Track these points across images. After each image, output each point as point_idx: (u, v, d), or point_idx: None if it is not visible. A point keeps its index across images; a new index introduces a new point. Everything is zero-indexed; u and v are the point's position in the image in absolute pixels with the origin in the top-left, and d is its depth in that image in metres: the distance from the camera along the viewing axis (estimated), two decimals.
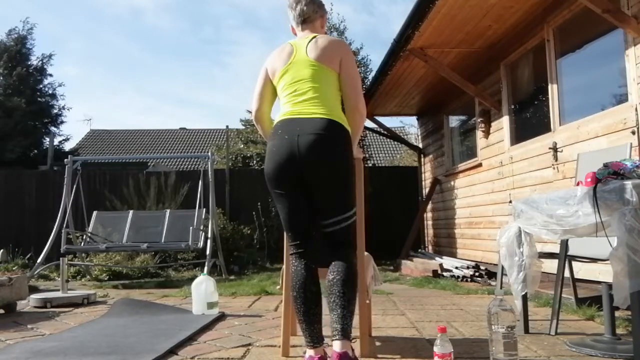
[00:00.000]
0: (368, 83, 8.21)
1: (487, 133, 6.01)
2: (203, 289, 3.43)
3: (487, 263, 5.74)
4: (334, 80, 2.19)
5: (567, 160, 4.26)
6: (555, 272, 2.75)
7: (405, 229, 8.04)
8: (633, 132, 3.49)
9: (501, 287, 2.85)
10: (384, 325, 3.01)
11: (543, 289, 3.82)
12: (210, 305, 3.40)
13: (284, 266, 2.41)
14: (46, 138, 14.38)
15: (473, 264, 5.77)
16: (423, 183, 8.91)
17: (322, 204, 2.09)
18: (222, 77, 74.04)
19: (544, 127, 4.74)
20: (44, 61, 14.96)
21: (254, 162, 11.08)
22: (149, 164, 13.02)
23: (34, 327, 3.14)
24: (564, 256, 2.72)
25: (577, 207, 2.09)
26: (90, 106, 50.39)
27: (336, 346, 1.92)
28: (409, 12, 4.88)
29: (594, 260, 2.70)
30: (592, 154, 3.17)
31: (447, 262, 6.21)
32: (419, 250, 8.10)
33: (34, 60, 14.87)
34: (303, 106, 2.12)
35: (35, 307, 3.98)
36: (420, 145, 9.19)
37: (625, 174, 2.03)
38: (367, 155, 12.62)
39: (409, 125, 20.61)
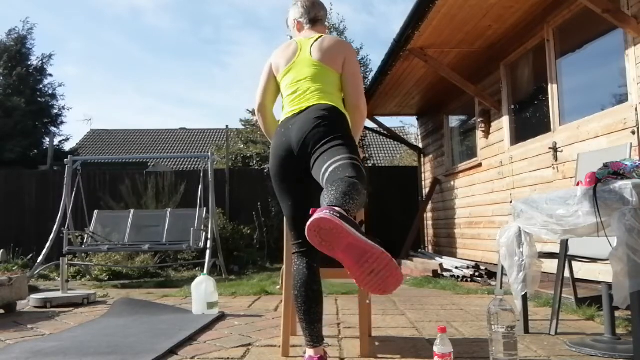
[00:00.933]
0: (368, 83, 8.21)
1: (487, 133, 6.01)
2: (203, 289, 3.43)
3: (487, 263, 5.74)
4: (335, 80, 2.20)
5: (567, 160, 4.26)
6: (555, 272, 2.75)
7: (405, 229, 8.04)
8: (633, 132, 3.49)
9: (501, 287, 2.85)
10: (384, 325, 3.01)
11: (543, 289, 3.82)
12: (210, 305, 3.40)
13: (283, 266, 2.41)
14: (46, 138, 14.38)
15: (473, 264, 5.77)
16: (423, 183, 8.91)
17: (324, 157, 1.92)
18: (222, 77, 74.06)
19: (544, 127, 4.74)
20: (44, 61, 14.98)
21: (254, 162, 11.08)
22: (149, 164, 13.03)
23: (34, 327, 3.14)
24: (564, 256, 2.72)
25: (577, 207, 2.09)
26: (90, 106, 50.42)
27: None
28: (409, 12, 4.89)
29: (594, 260, 2.70)
30: (592, 154, 3.17)
31: (447, 262, 6.21)
32: (419, 250, 8.10)
33: (34, 60, 14.89)
34: (303, 104, 2.12)
35: (35, 307, 3.98)
36: (420, 145, 9.19)
37: (625, 174, 2.03)
38: (367, 155, 12.62)
39: (409, 125, 20.63)
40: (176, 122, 72.16)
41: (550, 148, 4.49)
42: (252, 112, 14.52)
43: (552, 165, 4.49)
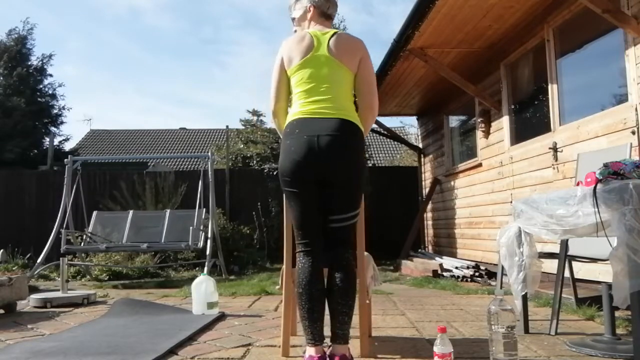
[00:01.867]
0: None
1: (487, 133, 6.01)
2: (203, 289, 3.43)
3: (487, 263, 5.74)
4: (349, 80, 2.19)
5: (567, 160, 4.26)
6: (555, 272, 2.75)
7: (405, 229, 8.04)
8: (633, 132, 3.49)
9: (501, 287, 2.85)
10: (384, 325, 3.01)
11: (543, 289, 3.82)
12: (210, 305, 3.40)
13: (284, 266, 2.41)
14: (46, 138, 14.37)
15: (473, 264, 5.77)
16: (423, 183, 8.91)
17: (336, 202, 2.11)
18: (222, 77, 74.09)
19: (544, 127, 4.74)
20: (44, 61, 14.97)
21: (254, 162, 11.07)
22: (149, 164, 13.02)
23: (34, 327, 3.13)
24: (564, 256, 2.72)
25: (577, 207, 2.09)
26: (90, 106, 50.45)
27: (336, 350, 1.99)
28: (409, 12, 4.89)
29: (594, 260, 2.70)
30: (592, 154, 3.17)
31: (447, 262, 6.21)
32: (419, 250, 8.10)
33: (34, 61, 14.88)
34: (319, 106, 2.10)
35: (35, 307, 3.98)
36: (420, 145, 9.19)
37: (625, 174, 2.03)
38: (367, 155, 12.61)
39: (409, 126, 20.59)
40: (176, 122, 72.28)
41: (550, 148, 4.49)
42: (252, 112, 14.52)
43: (552, 165, 4.49)
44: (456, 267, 5.75)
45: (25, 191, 8.80)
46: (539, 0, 4.44)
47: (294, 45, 2.19)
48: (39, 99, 14.54)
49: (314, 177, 2.08)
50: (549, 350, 2.33)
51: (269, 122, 13.90)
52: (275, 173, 9.03)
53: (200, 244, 5.97)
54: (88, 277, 6.27)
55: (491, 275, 5.38)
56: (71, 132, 67.90)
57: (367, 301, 2.42)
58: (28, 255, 7.35)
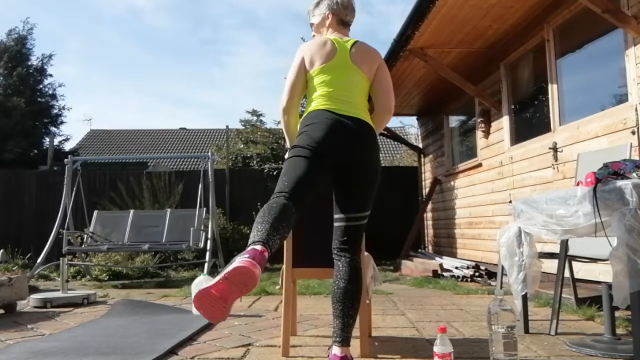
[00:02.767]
0: None
1: (487, 133, 6.01)
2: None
3: (487, 263, 5.74)
4: (366, 88, 2.24)
5: (567, 160, 4.26)
6: (555, 272, 2.75)
7: (405, 229, 8.04)
8: (633, 132, 3.49)
9: (501, 287, 2.85)
10: (384, 325, 3.01)
11: (543, 289, 3.82)
12: None
13: (283, 266, 2.41)
14: (46, 138, 14.38)
15: (473, 264, 5.77)
16: (423, 183, 8.91)
17: (354, 198, 2.11)
18: (221, 77, 74.11)
19: (544, 127, 4.74)
20: (44, 61, 14.98)
21: (254, 162, 11.08)
22: (148, 164, 13.03)
23: (34, 327, 3.13)
24: (564, 256, 2.72)
25: (577, 207, 2.09)
26: (90, 106, 50.45)
27: (338, 351, 2.00)
28: (408, 12, 4.89)
29: (594, 260, 2.70)
30: (592, 154, 3.17)
31: (447, 262, 6.21)
32: (419, 250, 8.10)
33: (34, 61, 14.89)
34: (339, 106, 2.12)
35: (35, 307, 3.98)
36: (420, 145, 9.19)
37: (625, 174, 2.03)
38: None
39: (409, 126, 20.59)
40: (176, 122, 72.21)
41: (550, 148, 4.49)
42: (252, 113, 14.51)
43: (552, 165, 4.49)
44: (456, 267, 5.75)
45: (25, 191, 8.80)
46: (539, 0, 4.45)
47: (316, 49, 2.20)
48: (39, 99, 14.55)
49: (334, 158, 2.05)
50: (549, 350, 2.33)
51: (269, 122, 13.90)
52: (275, 173, 9.03)
53: (201, 244, 5.97)
54: (88, 277, 6.26)
55: (491, 275, 5.38)
56: (71, 132, 67.84)
57: (367, 301, 2.42)
58: (28, 255, 7.36)
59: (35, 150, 14.05)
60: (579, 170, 3.10)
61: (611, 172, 2.05)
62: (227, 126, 10.57)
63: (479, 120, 6.10)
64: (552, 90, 4.58)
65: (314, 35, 2.43)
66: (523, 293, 2.63)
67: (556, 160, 4.44)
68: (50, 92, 14.99)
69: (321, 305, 3.82)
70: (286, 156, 2.13)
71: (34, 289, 4.81)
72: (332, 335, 2.06)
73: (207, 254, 5.84)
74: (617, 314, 2.59)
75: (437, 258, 6.76)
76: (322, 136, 2.03)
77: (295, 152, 2.06)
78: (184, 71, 70.62)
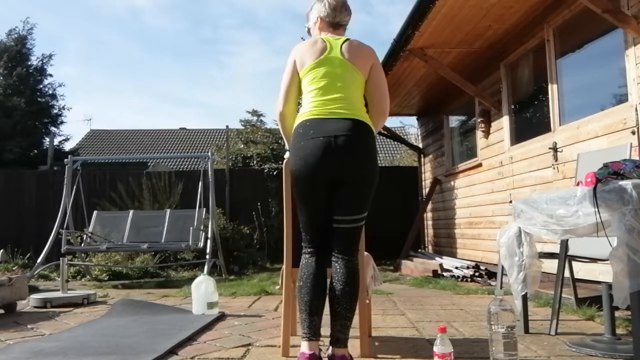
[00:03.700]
0: None
1: (487, 133, 6.01)
2: (203, 289, 3.43)
3: (487, 263, 5.74)
4: (361, 83, 2.22)
5: (567, 160, 4.26)
6: (555, 272, 2.75)
7: (405, 229, 8.03)
8: (633, 132, 3.49)
9: (501, 287, 2.86)
10: (384, 325, 3.01)
11: (543, 289, 3.82)
12: (210, 305, 3.40)
13: (284, 266, 2.41)
14: (46, 138, 14.36)
15: (473, 264, 5.77)
16: (423, 183, 8.91)
17: (350, 201, 2.11)
18: (221, 77, 74.13)
19: (544, 127, 4.74)
20: (44, 61, 14.95)
21: (254, 162, 11.07)
22: (148, 164, 13.02)
23: (34, 327, 3.13)
24: (564, 256, 2.72)
25: (577, 207, 2.09)
26: (90, 106, 50.36)
27: (336, 352, 2.01)
28: (408, 12, 4.89)
29: (594, 260, 2.70)
30: (592, 154, 3.17)
31: (447, 262, 6.21)
32: (419, 250, 8.10)
33: (34, 61, 14.86)
34: (333, 106, 2.11)
35: (35, 307, 3.97)
36: (420, 145, 9.19)
37: (625, 174, 2.03)
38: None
39: (409, 126, 20.55)
40: (176, 122, 72.21)
41: (550, 148, 4.49)
42: (252, 113, 14.50)
43: (552, 165, 4.49)
44: (456, 267, 5.75)
45: (25, 191, 8.80)
46: (539, 0, 4.45)
47: (307, 49, 2.22)
48: (39, 99, 14.53)
49: (328, 179, 2.08)
50: (549, 350, 2.33)
51: (269, 122, 13.89)
52: (275, 173, 9.03)
53: (201, 244, 5.97)
54: (88, 277, 6.27)
55: (491, 275, 5.38)
56: (71, 132, 67.90)
57: (367, 301, 2.42)
58: (28, 255, 7.35)
59: (35, 150, 14.03)
60: (579, 170, 3.10)
61: (611, 172, 2.05)
62: (227, 126, 10.57)
63: (479, 120, 6.10)
64: (552, 90, 4.58)
65: None
66: (523, 293, 2.63)
67: (556, 160, 4.44)
68: (50, 92, 14.97)
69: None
70: (285, 156, 2.17)
71: (34, 289, 4.81)
72: (329, 336, 2.06)
73: (207, 254, 5.84)
74: (617, 314, 2.59)
75: (437, 258, 6.76)
76: (313, 163, 2.05)
77: (297, 186, 2.14)
78: (183, 71, 70.63)
